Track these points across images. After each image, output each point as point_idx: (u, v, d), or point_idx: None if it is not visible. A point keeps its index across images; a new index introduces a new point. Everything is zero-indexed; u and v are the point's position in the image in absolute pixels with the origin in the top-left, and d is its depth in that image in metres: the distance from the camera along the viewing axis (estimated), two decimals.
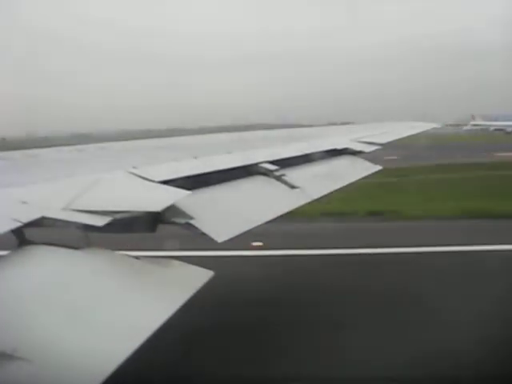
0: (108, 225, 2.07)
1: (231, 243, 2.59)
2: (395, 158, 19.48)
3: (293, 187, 3.60)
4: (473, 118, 63.74)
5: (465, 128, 61.28)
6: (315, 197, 3.75)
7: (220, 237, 2.49)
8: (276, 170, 3.68)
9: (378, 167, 5.45)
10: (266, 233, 4.92)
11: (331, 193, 4.12)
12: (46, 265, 1.86)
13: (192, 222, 2.42)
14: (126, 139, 6.90)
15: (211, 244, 2.52)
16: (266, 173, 3.65)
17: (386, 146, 6.47)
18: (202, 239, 2.47)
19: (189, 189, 2.60)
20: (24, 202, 2.06)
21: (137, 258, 2.10)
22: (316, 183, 4.06)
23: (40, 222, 1.97)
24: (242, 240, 2.81)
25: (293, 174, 3.79)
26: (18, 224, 1.86)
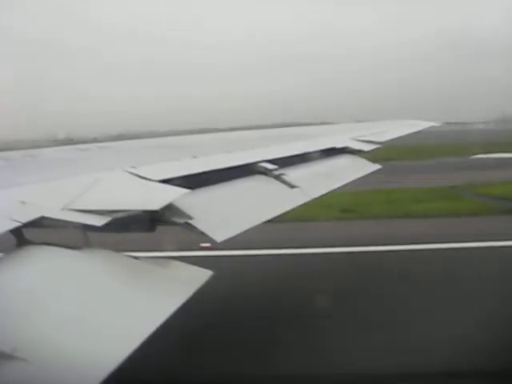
0: (107, 224, 2.07)
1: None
2: None
3: (292, 186, 3.60)
4: None
5: None
6: (314, 196, 3.75)
7: (219, 236, 2.49)
8: (275, 170, 3.68)
9: (377, 166, 5.44)
10: None
11: (330, 192, 4.12)
12: (45, 265, 1.85)
13: (191, 221, 2.42)
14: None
15: (159, 245, 2.44)
16: (265, 172, 3.65)
17: None
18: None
19: (188, 188, 2.60)
20: (23, 202, 2.06)
21: (136, 258, 2.10)
22: (315, 182, 4.07)
23: (39, 222, 1.97)
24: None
25: (292, 174, 3.79)
26: (17, 224, 1.86)
